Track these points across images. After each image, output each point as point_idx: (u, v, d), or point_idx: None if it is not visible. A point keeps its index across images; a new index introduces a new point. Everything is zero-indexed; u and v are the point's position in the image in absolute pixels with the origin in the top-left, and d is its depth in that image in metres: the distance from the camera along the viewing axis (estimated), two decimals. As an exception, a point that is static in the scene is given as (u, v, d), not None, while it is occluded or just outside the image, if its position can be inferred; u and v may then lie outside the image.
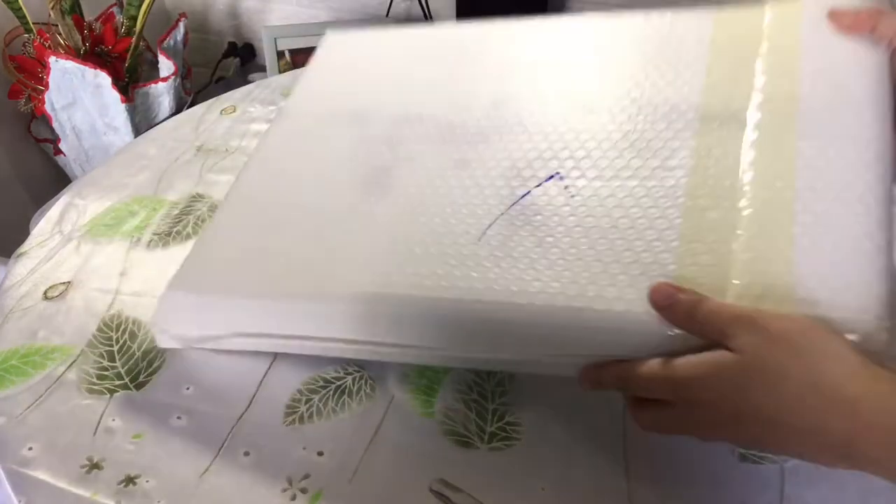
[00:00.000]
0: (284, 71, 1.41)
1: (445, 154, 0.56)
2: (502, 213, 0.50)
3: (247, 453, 0.49)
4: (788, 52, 0.52)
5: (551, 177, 0.51)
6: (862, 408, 0.33)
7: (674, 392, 0.39)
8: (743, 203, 0.45)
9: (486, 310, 0.46)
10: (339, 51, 0.73)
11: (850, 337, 0.37)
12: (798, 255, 0.41)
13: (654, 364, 0.40)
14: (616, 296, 0.43)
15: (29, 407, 0.53)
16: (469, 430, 0.50)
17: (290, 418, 0.51)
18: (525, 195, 0.50)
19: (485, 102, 0.59)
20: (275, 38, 1.53)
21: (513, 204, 0.51)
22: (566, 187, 0.50)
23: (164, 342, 0.56)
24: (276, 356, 0.56)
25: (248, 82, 1.03)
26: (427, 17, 1.52)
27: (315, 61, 0.73)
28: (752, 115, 0.49)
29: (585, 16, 0.65)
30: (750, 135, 0.48)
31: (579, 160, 0.52)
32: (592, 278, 0.45)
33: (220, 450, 0.49)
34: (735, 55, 0.54)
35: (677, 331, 0.41)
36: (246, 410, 0.52)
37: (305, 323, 0.51)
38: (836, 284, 0.40)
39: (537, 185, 0.51)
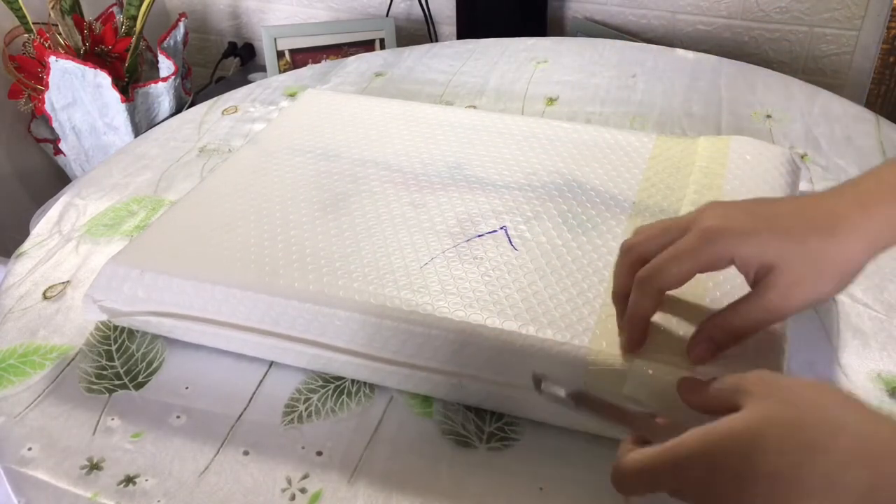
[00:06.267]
0: (284, 71, 1.40)
1: (404, 195, 0.62)
2: (451, 248, 0.55)
3: (246, 452, 0.49)
4: (715, 172, 0.61)
5: (502, 227, 0.57)
6: (884, 455, 0.31)
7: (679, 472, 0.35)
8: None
9: (416, 320, 0.49)
10: (314, 103, 0.78)
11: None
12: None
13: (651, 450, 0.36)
14: (544, 325, 0.48)
15: (28, 406, 0.53)
16: (468, 430, 0.50)
17: (289, 417, 0.51)
18: (474, 237, 0.56)
19: (446, 162, 0.66)
20: (275, 38, 1.53)
21: (461, 242, 0.56)
22: (512, 238, 0.56)
23: (90, 312, 0.57)
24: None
25: (248, 82, 1.03)
26: (427, 17, 1.52)
27: (291, 108, 0.78)
28: (680, 213, 0.57)
29: (544, 119, 0.73)
30: None
31: (528, 219, 0.58)
32: (527, 307, 0.50)
33: (219, 449, 0.49)
34: (670, 168, 0.63)
35: (597, 365, 0.45)
36: (245, 410, 0.52)
37: (241, 312, 0.53)
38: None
39: (489, 232, 0.57)
